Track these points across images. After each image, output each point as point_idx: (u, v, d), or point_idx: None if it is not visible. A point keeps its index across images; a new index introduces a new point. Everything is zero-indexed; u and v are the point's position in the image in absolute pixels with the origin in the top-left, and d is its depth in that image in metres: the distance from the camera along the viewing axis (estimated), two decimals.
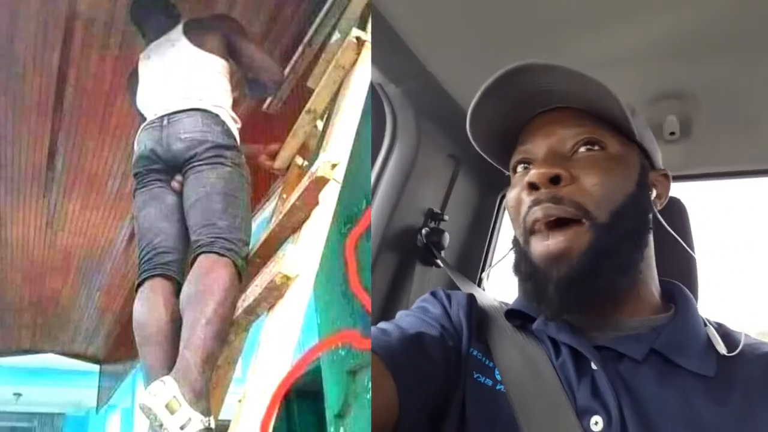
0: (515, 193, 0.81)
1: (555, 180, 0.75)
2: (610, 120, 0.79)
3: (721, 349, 0.75)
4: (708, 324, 0.79)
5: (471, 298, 0.91)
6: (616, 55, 1.18)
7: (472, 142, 0.86)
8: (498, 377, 0.78)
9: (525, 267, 0.79)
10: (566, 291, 0.73)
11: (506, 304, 0.91)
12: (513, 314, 0.86)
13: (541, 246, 0.75)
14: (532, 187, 0.76)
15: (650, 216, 0.81)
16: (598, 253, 0.73)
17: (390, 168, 1.48)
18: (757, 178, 1.60)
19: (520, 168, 0.83)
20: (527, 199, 0.78)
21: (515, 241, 0.84)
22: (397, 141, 1.45)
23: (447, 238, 1.50)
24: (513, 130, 0.84)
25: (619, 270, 0.75)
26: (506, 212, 1.73)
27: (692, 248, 0.92)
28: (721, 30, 1.13)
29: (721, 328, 0.80)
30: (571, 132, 0.79)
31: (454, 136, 1.52)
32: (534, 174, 0.76)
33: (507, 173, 0.89)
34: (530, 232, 0.77)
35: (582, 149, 0.78)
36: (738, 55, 1.20)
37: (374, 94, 1.53)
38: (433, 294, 0.93)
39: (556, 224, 0.75)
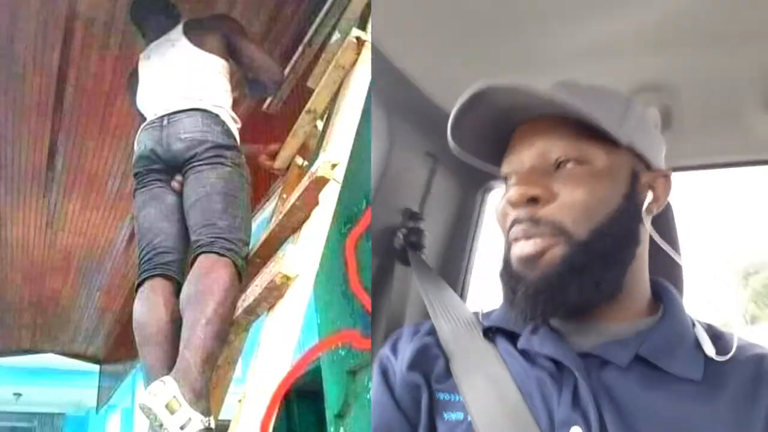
0: (502, 206, 0.80)
1: (533, 201, 0.74)
2: (596, 129, 0.76)
3: (710, 351, 0.73)
4: (696, 325, 0.77)
5: (422, 349, 0.85)
6: (594, 48, 1.14)
7: (460, 156, 0.84)
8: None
9: (505, 272, 0.78)
10: (533, 298, 0.73)
11: (484, 314, 0.89)
12: (492, 329, 0.84)
13: (518, 249, 0.75)
14: (512, 204, 0.76)
15: (639, 226, 0.77)
16: (568, 268, 0.72)
17: None
18: (740, 168, 1.58)
19: (510, 179, 0.81)
20: (511, 213, 0.77)
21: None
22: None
23: (427, 237, 1.49)
24: (502, 137, 0.82)
25: (590, 287, 0.73)
26: (487, 209, 1.73)
27: (678, 245, 0.89)
28: (700, 20, 1.10)
29: (710, 329, 0.78)
30: (553, 146, 0.76)
31: (430, 133, 1.49)
32: (512, 194, 0.75)
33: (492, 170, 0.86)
34: (510, 242, 0.78)
35: (568, 164, 0.75)
36: (718, 46, 1.16)
37: None
38: (379, 362, 0.88)
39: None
